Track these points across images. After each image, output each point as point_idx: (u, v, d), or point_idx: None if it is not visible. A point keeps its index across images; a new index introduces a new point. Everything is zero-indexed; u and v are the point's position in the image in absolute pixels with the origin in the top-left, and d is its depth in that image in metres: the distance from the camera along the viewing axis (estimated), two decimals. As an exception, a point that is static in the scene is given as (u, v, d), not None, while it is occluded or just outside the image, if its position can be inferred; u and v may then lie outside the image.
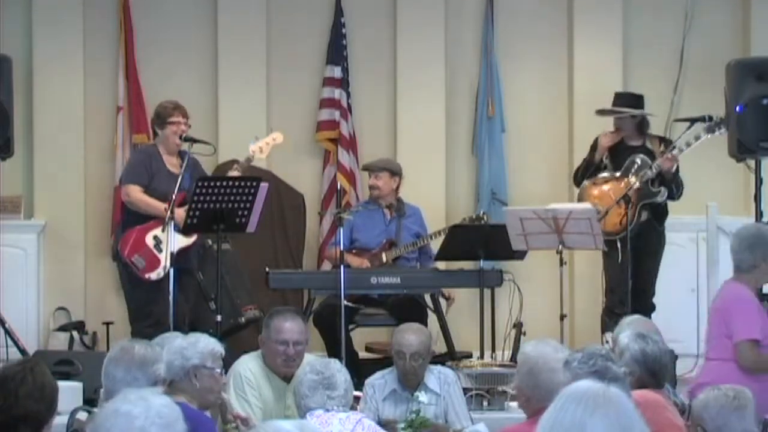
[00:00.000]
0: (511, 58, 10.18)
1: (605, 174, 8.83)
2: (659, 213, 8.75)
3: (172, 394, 5.04)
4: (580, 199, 8.90)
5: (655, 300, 9.03)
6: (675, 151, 8.54)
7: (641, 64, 10.21)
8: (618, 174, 8.74)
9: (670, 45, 10.20)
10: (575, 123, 10.00)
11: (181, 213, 7.65)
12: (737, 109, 8.13)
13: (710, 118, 8.42)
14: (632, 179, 8.61)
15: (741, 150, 8.19)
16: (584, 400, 3.03)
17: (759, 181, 8.15)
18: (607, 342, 8.73)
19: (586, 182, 8.83)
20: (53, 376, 4.20)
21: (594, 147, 8.95)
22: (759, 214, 8.16)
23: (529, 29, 10.24)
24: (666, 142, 8.88)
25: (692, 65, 10.15)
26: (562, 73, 10.18)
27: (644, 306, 8.69)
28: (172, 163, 8.01)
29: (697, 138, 8.46)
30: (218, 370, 5.30)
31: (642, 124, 8.94)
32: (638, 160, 8.67)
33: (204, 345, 5.27)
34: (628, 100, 9.02)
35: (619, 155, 8.83)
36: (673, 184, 8.64)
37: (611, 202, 8.47)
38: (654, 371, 5.15)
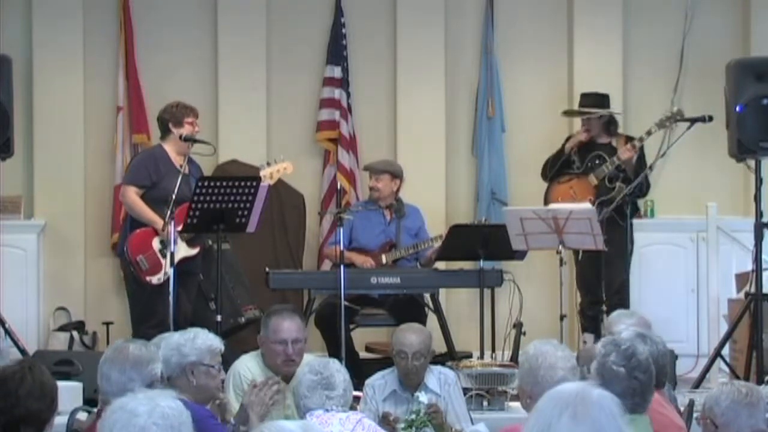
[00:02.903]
0: (511, 58, 10.19)
1: (569, 172, 9.10)
2: (621, 209, 8.79)
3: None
4: (546, 197, 9.06)
5: (651, 300, 9.06)
6: (635, 142, 8.80)
7: (641, 64, 10.22)
8: (579, 172, 9.05)
9: (670, 45, 10.21)
10: (575, 123, 9.99)
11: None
12: (737, 109, 8.12)
13: (710, 118, 8.45)
14: (591, 178, 8.82)
15: (741, 150, 8.19)
16: (556, 401, 3.01)
17: (759, 181, 8.14)
18: (584, 342, 8.80)
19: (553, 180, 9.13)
20: (53, 376, 4.20)
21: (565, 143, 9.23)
22: (759, 214, 8.15)
23: (529, 29, 10.25)
24: (631, 140, 9.01)
25: (692, 65, 10.16)
26: (562, 73, 10.19)
27: (619, 303, 8.75)
28: (181, 163, 8.00)
29: (650, 132, 8.76)
30: (216, 367, 5.30)
31: (609, 124, 9.13)
32: (597, 160, 8.97)
33: (202, 341, 5.26)
34: (594, 100, 9.26)
35: (586, 153, 9.09)
36: (633, 177, 8.75)
37: (572, 200, 8.62)
38: None
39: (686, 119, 8.59)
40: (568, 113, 9.43)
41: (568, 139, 9.25)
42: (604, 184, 8.90)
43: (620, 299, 8.77)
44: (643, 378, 4.49)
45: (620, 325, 5.73)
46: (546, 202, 9.07)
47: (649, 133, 8.80)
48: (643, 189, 9.02)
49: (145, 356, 4.72)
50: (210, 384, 5.28)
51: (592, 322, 8.92)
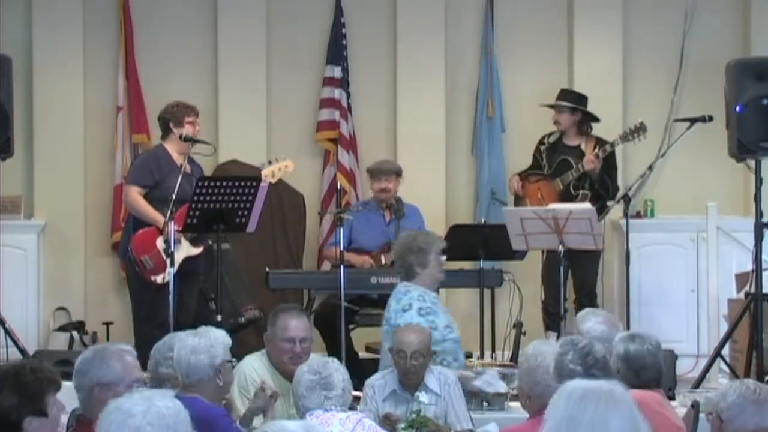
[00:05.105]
0: (511, 58, 10.18)
1: (537, 173, 9.16)
2: None
3: (186, 392, 5.04)
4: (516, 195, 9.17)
5: (651, 300, 9.05)
6: (599, 152, 8.87)
7: (641, 64, 10.21)
8: (548, 173, 9.10)
9: (670, 45, 10.20)
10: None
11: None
12: (737, 109, 8.12)
13: (710, 118, 8.46)
14: (557, 182, 8.87)
15: (741, 150, 8.18)
16: (603, 398, 3.08)
17: (759, 181, 8.13)
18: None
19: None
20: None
21: (536, 152, 9.30)
22: (759, 214, 8.15)
23: (529, 29, 10.24)
24: (602, 143, 9.02)
25: (692, 65, 10.15)
26: (562, 73, 10.18)
27: (589, 305, 8.74)
28: (182, 163, 8.01)
29: (614, 145, 8.89)
30: (233, 361, 5.36)
31: (582, 124, 9.12)
32: (566, 164, 9.03)
33: (222, 337, 5.30)
34: (571, 97, 9.29)
35: (555, 154, 9.11)
36: (597, 185, 8.93)
37: (539, 201, 8.64)
38: (636, 369, 5.16)
39: (686, 119, 8.60)
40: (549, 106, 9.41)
41: (539, 145, 9.29)
42: (568, 190, 8.96)
43: (590, 301, 8.79)
44: (600, 375, 4.51)
45: (587, 323, 5.79)
46: (516, 200, 9.14)
47: (612, 145, 8.91)
48: (609, 192, 9.03)
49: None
50: (231, 379, 5.35)
51: (554, 320, 8.90)
